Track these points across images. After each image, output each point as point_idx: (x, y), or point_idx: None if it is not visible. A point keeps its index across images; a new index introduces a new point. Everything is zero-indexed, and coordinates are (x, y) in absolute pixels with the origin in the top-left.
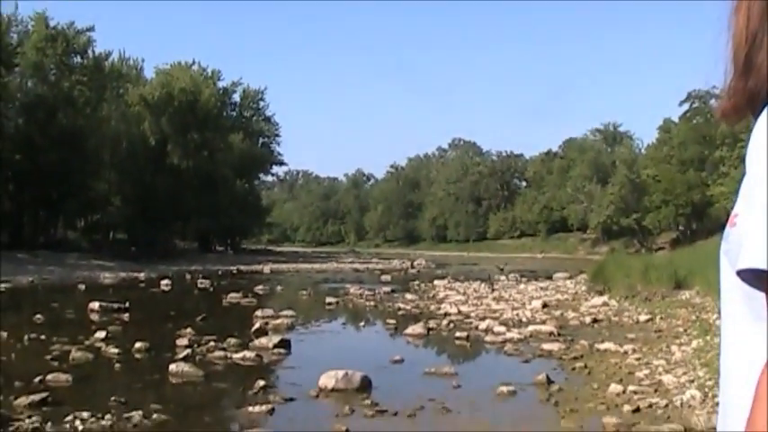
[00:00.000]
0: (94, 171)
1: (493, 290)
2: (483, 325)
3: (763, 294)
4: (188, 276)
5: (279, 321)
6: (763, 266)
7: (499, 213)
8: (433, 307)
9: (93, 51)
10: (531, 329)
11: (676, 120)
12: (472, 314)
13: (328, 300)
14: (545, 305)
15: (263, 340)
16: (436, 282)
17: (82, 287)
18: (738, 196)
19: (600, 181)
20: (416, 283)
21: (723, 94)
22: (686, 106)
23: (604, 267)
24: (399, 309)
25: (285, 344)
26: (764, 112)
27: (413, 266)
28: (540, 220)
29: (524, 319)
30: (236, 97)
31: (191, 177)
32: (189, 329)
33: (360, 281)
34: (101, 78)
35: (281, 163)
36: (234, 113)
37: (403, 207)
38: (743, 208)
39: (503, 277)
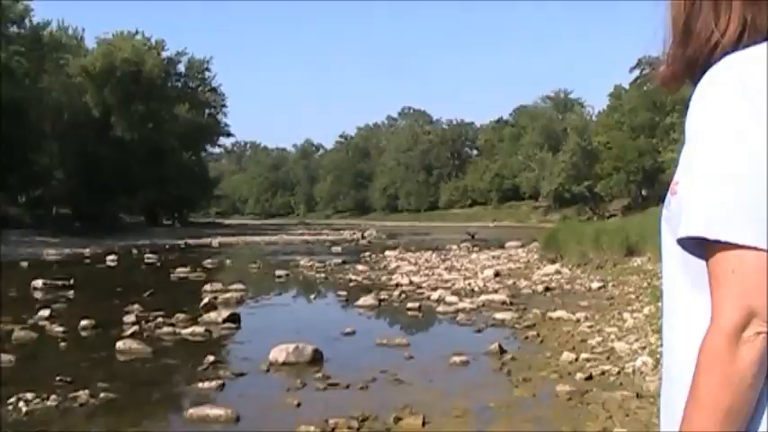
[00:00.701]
0: (36, 144)
1: (444, 259)
2: (435, 295)
3: (702, 262)
4: (135, 251)
5: (228, 295)
6: (703, 234)
7: (450, 182)
8: (384, 278)
9: (31, 21)
10: (484, 299)
11: (627, 86)
12: (424, 284)
13: (278, 272)
14: (497, 274)
15: (212, 315)
16: (387, 252)
17: (24, 264)
18: (679, 164)
19: (551, 149)
20: (367, 254)
21: (662, 62)
22: (636, 72)
23: (556, 235)
24: (350, 280)
25: (235, 318)
26: (703, 80)
27: (364, 237)
28: (492, 189)
29: (476, 289)
30: (182, 68)
31: (136, 149)
32: (136, 305)
33: (310, 252)
34: (39, 49)
35: (229, 134)
36: (179, 84)
37: (353, 177)
38: (683, 176)
39: (453, 246)
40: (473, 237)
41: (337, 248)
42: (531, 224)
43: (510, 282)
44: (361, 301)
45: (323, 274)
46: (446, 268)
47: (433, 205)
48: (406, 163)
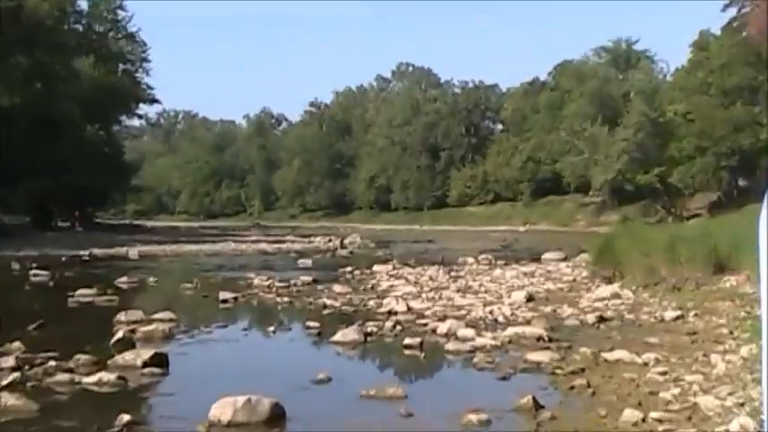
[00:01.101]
0: None
1: (455, 277)
2: (443, 327)
3: None
4: (16, 266)
5: (152, 328)
6: None
7: (464, 169)
8: (372, 303)
9: None
10: (512, 333)
11: (717, 32)
12: (427, 312)
13: (223, 296)
14: (530, 298)
15: (128, 356)
16: (377, 267)
17: None
18: None
19: (607, 121)
20: (348, 269)
21: (760, 4)
22: (732, 12)
23: (614, 244)
24: (325, 306)
25: (161, 360)
26: None
27: (343, 246)
28: (523, 179)
29: (501, 319)
30: (84, 5)
31: (17, 119)
32: (17, 344)
33: (268, 267)
34: None
35: (153, 100)
36: (80, 27)
37: (328, 162)
38: None
39: (470, 259)
40: (505, 247)
41: (306, 262)
42: (577, 228)
43: (548, 309)
44: (339, 336)
45: (286, 298)
46: (459, 290)
47: (439, 202)
48: (402, 142)
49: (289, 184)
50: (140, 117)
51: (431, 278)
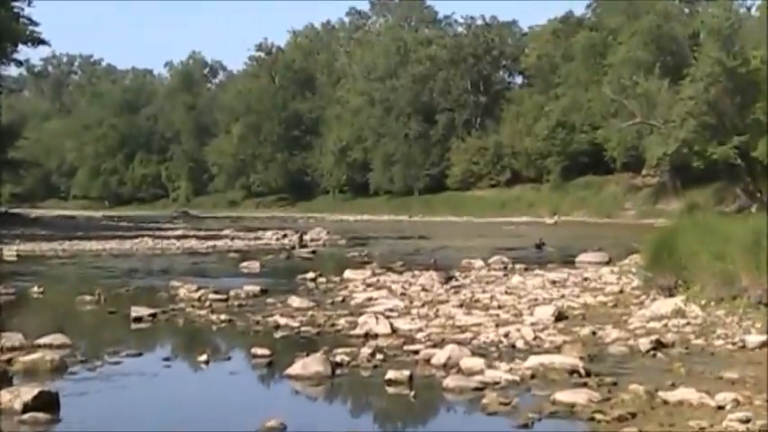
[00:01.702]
0: None
1: (456, 287)
2: (441, 356)
3: None
4: None
5: (36, 357)
6: None
7: (470, 139)
8: (343, 322)
9: None
10: (535, 363)
11: None
12: (419, 335)
13: (137, 312)
14: (561, 316)
15: (2, 396)
16: (349, 273)
17: None
18: None
19: (668, 73)
20: (311, 276)
21: None
22: None
23: (676, 242)
24: (278, 326)
25: (48, 401)
26: None
27: (303, 244)
28: (551, 152)
29: (521, 344)
30: None
31: None
32: None
33: (200, 273)
34: None
35: (39, 41)
36: None
37: (283, 128)
38: None
39: (477, 262)
40: (539, 247)
41: (252, 266)
42: (625, 219)
43: (585, 331)
44: (297, 368)
45: (224, 316)
46: (462, 304)
47: (436, 183)
48: (384, 101)
49: (227, 159)
50: (19, 63)
51: (424, 288)
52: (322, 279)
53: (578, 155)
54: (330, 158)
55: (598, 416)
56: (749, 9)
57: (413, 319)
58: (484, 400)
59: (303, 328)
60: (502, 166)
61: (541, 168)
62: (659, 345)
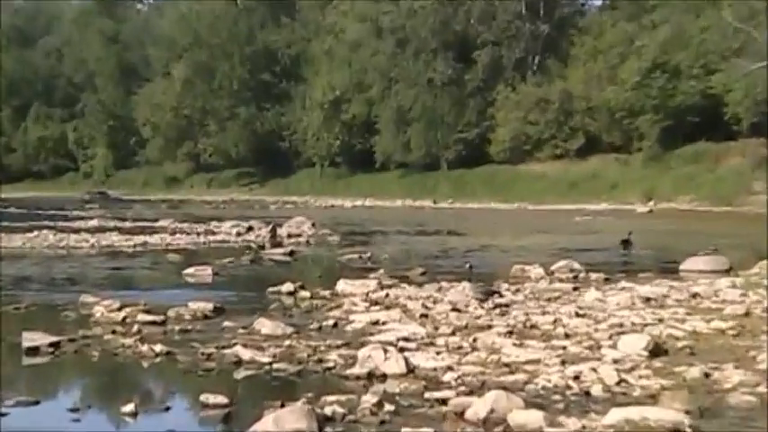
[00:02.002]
0: None
1: (502, 306)
2: (480, 407)
3: None
4: None
5: None
6: None
7: (525, 87)
8: (335, 356)
9: None
10: (619, 419)
11: None
12: (448, 376)
13: (30, 340)
14: (657, 349)
15: None
16: (344, 285)
17: None
18: None
19: None
20: (288, 288)
21: None
22: None
23: None
24: (239, 362)
25: None
26: None
27: (277, 242)
28: (645, 107)
29: (598, 390)
30: None
31: None
32: None
33: (124, 283)
34: None
35: None
36: None
37: (248, 69)
38: None
39: (534, 270)
40: (626, 245)
41: (201, 272)
42: (753, 208)
43: (693, 371)
44: (267, 424)
45: (159, 346)
46: (511, 331)
47: (473, 153)
48: (397, 29)
49: (165, 115)
50: None
51: (454, 308)
52: (304, 293)
53: (685, 112)
54: (317, 115)
55: None
56: None
57: (438, 353)
58: None
59: (276, 365)
60: (571, 129)
61: (630, 132)
62: None
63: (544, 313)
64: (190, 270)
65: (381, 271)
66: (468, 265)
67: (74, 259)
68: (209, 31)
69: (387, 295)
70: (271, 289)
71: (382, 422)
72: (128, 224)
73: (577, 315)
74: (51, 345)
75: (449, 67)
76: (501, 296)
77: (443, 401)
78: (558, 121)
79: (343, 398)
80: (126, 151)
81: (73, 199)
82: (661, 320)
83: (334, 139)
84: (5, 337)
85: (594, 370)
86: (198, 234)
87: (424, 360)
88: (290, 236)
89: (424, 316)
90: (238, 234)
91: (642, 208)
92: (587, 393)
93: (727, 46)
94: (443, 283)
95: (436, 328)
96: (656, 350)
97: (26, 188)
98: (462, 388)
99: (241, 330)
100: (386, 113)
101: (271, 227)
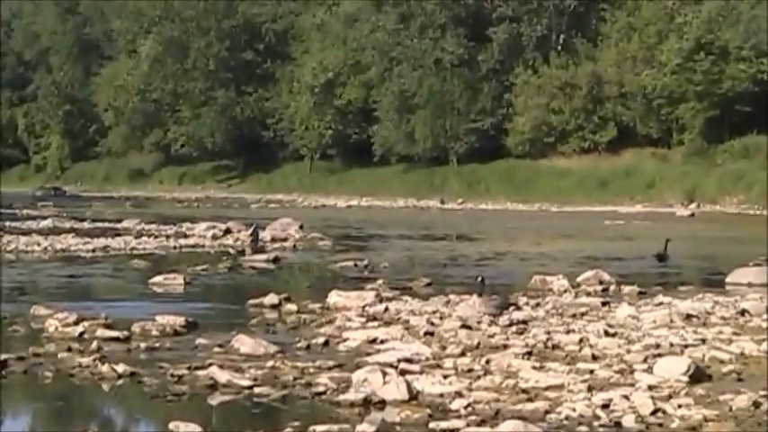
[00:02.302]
0: None
1: (520, 324)
2: None
3: None
4: None
5: None
6: None
7: (548, 70)
8: (326, 379)
9: None
10: None
11: None
12: (457, 403)
13: None
14: (699, 374)
15: None
16: (336, 297)
17: None
18: None
19: None
20: (272, 301)
21: None
22: None
23: None
24: (215, 385)
25: None
26: None
27: (259, 247)
28: (687, 93)
29: (630, 421)
30: None
31: None
32: None
33: (82, 294)
34: None
35: None
36: None
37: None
38: None
39: (557, 281)
40: (662, 258)
41: (171, 282)
42: None
43: (741, 400)
44: None
45: (122, 366)
46: (529, 352)
47: (487, 145)
48: (401, 1)
49: (131, 99)
50: None
51: (464, 324)
52: (290, 306)
53: (733, 99)
54: (306, 100)
55: None
56: None
57: (446, 377)
58: None
59: (258, 390)
60: (601, 118)
61: (669, 122)
62: None
63: (568, 332)
64: (158, 279)
65: (380, 281)
66: (479, 278)
67: (23, 265)
68: (182, 2)
69: (386, 309)
70: (252, 301)
71: None
72: (86, 225)
73: (607, 334)
74: None
75: (460, 46)
76: (519, 311)
77: None
78: (586, 110)
79: (335, 427)
80: (84, 141)
81: (23, 195)
82: (704, 341)
83: (326, 128)
84: None
85: (626, 398)
86: (167, 237)
87: (428, 385)
88: (274, 240)
89: (429, 334)
90: (214, 237)
91: (683, 211)
92: (618, 424)
93: None
94: (452, 296)
95: (443, 348)
96: (698, 375)
97: None
98: (473, 417)
99: (217, 349)
100: (386, 99)
101: (252, 229)
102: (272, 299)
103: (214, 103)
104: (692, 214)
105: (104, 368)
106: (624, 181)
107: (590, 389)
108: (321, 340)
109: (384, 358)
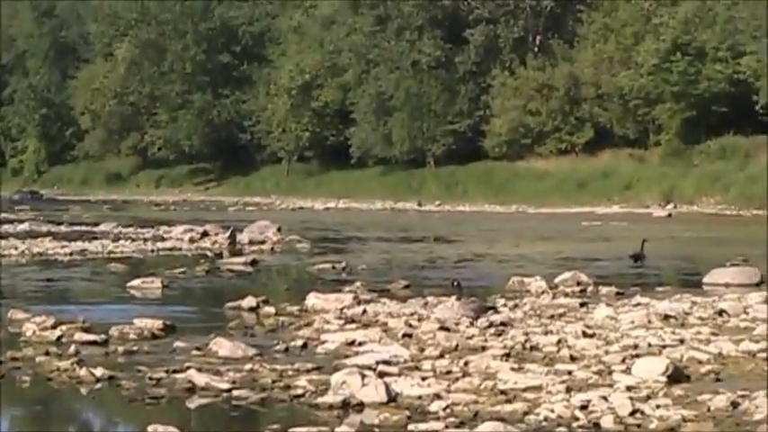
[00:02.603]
0: None
1: (499, 326)
2: None
3: None
4: None
5: None
6: None
7: (526, 71)
8: (304, 382)
9: None
10: None
11: None
12: (436, 405)
13: None
14: (678, 374)
15: None
16: (315, 300)
17: None
18: None
19: None
20: (250, 303)
21: None
22: None
23: None
24: (193, 388)
25: None
26: None
27: (236, 249)
28: (664, 94)
29: (609, 423)
30: None
31: None
32: None
33: (59, 297)
34: None
35: None
36: None
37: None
38: None
39: (535, 283)
40: (639, 257)
41: (149, 285)
42: None
43: (719, 400)
44: None
45: (101, 370)
46: (508, 354)
47: (465, 147)
48: (377, 3)
49: (107, 102)
50: None
51: (443, 326)
52: (269, 309)
53: (710, 100)
54: (283, 103)
55: None
56: None
57: (424, 379)
58: None
59: (236, 393)
60: (578, 119)
61: (646, 123)
62: None
63: (547, 333)
64: (136, 282)
65: (358, 284)
66: (454, 283)
67: (0, 269)
68: (159, 4)
69: (364, 312)
70: (229, 304)
71: None
72: (63, 228)
73: (585, 335)
74: None
75: (437, 48)
76: (497, 313)
77: None
78: (564, 111)
79: (313, 430)
80: (61, 144)
81: None
82: (682, 341)
83: (303, 131)
84: None
85: (605, 398)
86: (145, 240)
87: (407, 387)
88: (251, 242)
89: (407, 336)
90: (192, 240)
91: (660, 211)
92: (596, 425)
93: (757, 24)
94: (430, 298)
95: (422, 350)
96: (677, 375)
97: None
98: (452, 419)
99: (195, 352)
100: (363, 101)
101: (229, 232)
102: (250, 301)
103: (191, 106)
104: (670, 215)
105: (82, 372)
106: (602, 182)
107: (568, 390)
108: (299, 343)
109: (362, 360)
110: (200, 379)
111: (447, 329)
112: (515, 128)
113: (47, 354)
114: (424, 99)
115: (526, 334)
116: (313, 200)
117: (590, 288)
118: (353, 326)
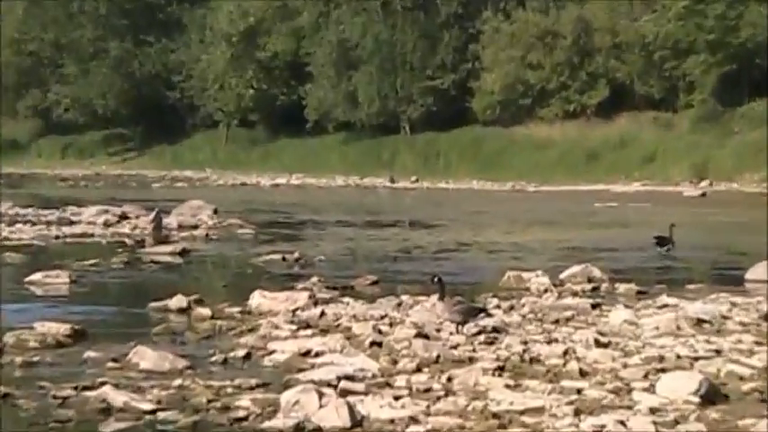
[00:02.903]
0: None
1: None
2: None
3: None
4: None
5: None
6: None
7: (523, 14)
8: (248, 402)
9: None
10: None
11: None
12: (410, 431)
13: None
14: (713, 393)
15: None
16: (260, 299)
17: None
18: None
19: None
20: (179, 304)
21: None
22: None
23: None
24: (108, 409)
25: None
26: None
27: (162, 236)
28: (695, 44)
29: None
30: None
31: None
32: None
33: None
34: None
35: None
36: None
37: None
38: None
39: (535, 278)
40: (664, 243)
41: (53, 279)
42: None
43: (763, 425)
44: None
45: None
46: (501, 367)
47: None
48: None
49: (1, 54)
50: None
51: (420, 333)
52: (203, 310)
53: (754, 52)
54: (222, 53)
55: None
56: None
57: (397, 399)
58: None
59: (162, 415)
60: (590, 75)
61: (675, 80)
62: None
63: (550, 341)
64: (36, 276)
65: (315, 279)
66: (435, 278)
67: None
68: None
69: (323, 314)
70: (154, 304)
71: None
72: None
73: (598, 344)
74: None
75: None
76: (488, 316)
77: None
78: (572, 64)
79: None
80: None
81: None
82: (719, 352)
83: (246, 88)
84: None
85: (623, 423)
86: (48, 224)
87: (376, 408)
88: (181, 227)
89: (376, 344)
90: (107, 225)
91: (691, 190)
92: None
93: None
94: (405, 298)
95: (394, 363)
96: (712, 395)
97: None
98: None
99: (111, 364)
100: (321, 51)
101: (154, 215)
102: (179, 301)
103: (106, 57)
104: (703, 194)
105: None
106: (618, 153)
107: (577, 412)
108: (241, 353)
109: (320, 375)
110: (118, 398)
111: (426, 337)
112: (511, 85)
113: None
114: (397, 49)
115: (524, 343)
116: (258, 174)
117: (604, 285)
118: (309, 332)
